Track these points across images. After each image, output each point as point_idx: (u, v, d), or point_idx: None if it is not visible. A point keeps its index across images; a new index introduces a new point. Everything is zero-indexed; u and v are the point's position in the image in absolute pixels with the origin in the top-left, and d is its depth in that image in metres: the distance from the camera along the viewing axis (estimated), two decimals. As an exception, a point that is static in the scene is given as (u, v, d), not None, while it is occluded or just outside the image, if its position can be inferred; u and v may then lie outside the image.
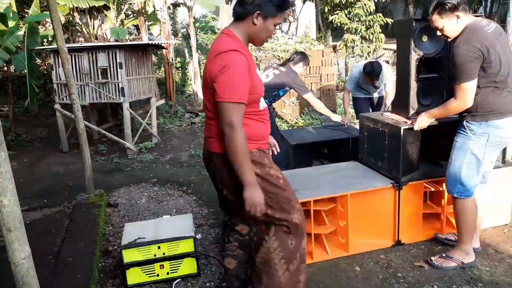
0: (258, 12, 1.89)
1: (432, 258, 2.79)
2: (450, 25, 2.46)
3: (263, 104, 2.07)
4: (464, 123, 2.56)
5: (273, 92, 4.27)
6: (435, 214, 3.27)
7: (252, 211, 1.89)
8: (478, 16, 2.67)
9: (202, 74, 2.19)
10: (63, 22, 7.14)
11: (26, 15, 7.22)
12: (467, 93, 2.44)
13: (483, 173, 2.64)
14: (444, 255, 2.77)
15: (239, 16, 1.93)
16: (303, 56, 4.39)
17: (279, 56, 6.98)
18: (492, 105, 2.47)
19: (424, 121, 2.78)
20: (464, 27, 2.46)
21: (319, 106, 4.36)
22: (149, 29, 8.66)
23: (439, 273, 2.71)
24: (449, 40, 2.58)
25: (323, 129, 4.86)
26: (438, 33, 2.57)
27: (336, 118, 4.37)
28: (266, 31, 1.95)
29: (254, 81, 1.92)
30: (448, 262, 2.72)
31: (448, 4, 2.40)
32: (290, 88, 4.39)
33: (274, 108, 4.43)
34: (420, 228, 3.18)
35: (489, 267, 2.72)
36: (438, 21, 2.48)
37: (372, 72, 4.47)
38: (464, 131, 2.57)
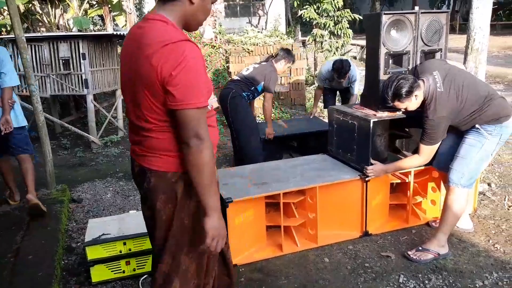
0: None
1: (409, 252, 2.82)
2: (411, 104, 2.71)
3: (210, 102, 1.64)
4: (477, 126, 2.68)
5: (251, 86, 4.18)
6: (402, 205, 3.34)
7: (213, 245, 1.52)
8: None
9: (123, 81, 1.63)
10: (22, 11, 6.82)
11: (-18, 3, 6.84)
12: (431, 153, 2.79)
13: None
14: (420, 248, 2.81)
15: None
16: (286, 53, 4.28)
17: (248, 49, 6.94)
18: (498, 112, 2.66)
19: (381, 173, 2.99)
20: (424, 97, 2.68)
21: (268, 111, 4.22)
22: (114, 19, 8.41)
23: (405, 262, 2.76)
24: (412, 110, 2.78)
25: (292, 122, 4.89)
26: (402, 109, 2.81)
27: (269, 130, 4.25)
28: (204, 11, 1.56)
29: (206, 75, 1.54)
30: (425, 254, 2.77)
31: (404, 93, 2.64)
32: None
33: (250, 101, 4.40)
34: (386, 219, 3.23)
35: (453, 256, 2.79)
36: (400, 105, 2.74)
37: (341, 68, 4.43)
38: (478, 131, 2.70)
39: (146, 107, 1.49)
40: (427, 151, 2.77)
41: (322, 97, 5.16)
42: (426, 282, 2.55)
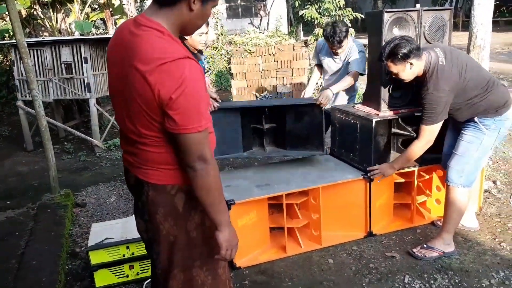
0: None
1: (414, 249, 2.81)
2: (404, 71, 2.56)
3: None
4: (476, 119, 2.61)
5: None
6: (406, 204, 3.31)
7: (227, 254, 1.54)
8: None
9: (112, 87, 1.56)
10: (24, 16, 6.84)
11: (-16, 9, 6.87)
12: (432, 134, 2.61)
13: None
14: (425, 245, 2.79)
15: (170, 0, 1.40)
16: None
17: (249, 50, 6.93)
18: (497, 102, 2.58)
19: (389, 171, 2.88)
20: (425, 71, 2.56)
21: None
22: (116, 23, 8.42)
23: (411, 262, 2.74)
24: (405, 81, 2.67)
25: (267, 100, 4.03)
26: (393, 74, 2.66)
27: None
28: (203, 17, 1.47)
29: (205, 92, 1.45)
30: (430, 252, 2.75)
31: (400, 54, 2.49)
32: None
33: None
34: (391, 219, 3.21)
35: (458, 255, 2.76)
36: (392, 67, 2.58)
37: (333, 35, 3.44)
38: (476, 126, 2.62)
39: (142, 123, 1.42)
40: (427, 133, 2.61)
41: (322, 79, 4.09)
42: (432, 282, 2.53)
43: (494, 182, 3.80)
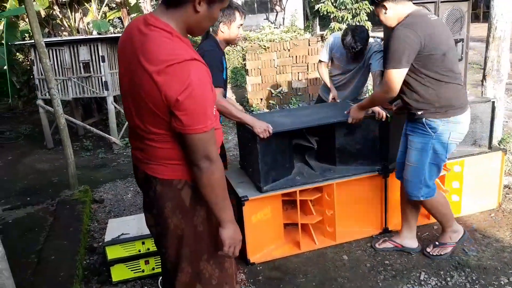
0: None
1: (428, 249, 2.75)
2: (382, 16, 2.44)
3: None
4: (424, 121, 2.40)
5: None
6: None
7: (231, 251, 1.57)
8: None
9: (122, 83, 1.57)
10: (43, 16, 6.99)
11: (4, 9, 7.04)
12: (393, 81, 2.32)
13: None
14: (437, 243, 2.74)
15: (176, 2, 1.41)
16: (221, 13, 2.46)
17: (264, 46, 6.91)
18: (450, 99, 2.37)
19: (357, 114, 2.76)
20: (407, 15, 2.37)
21: (224, 109, 2.54)
22: (132, 21, 8.53)
23: (427, 259, 2.70)
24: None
25: (305, 110, 3.64)
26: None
27: (252, 122, 2.63)
28: (210, 19, 1.48)
29: (212, 92, 1.46)
30: (444, 248, 2.70)
31: None
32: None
33: None
34: (407, 215, 3.16)
35: (476, 252, 2.71)
36: (376, 11, 2.49)
37: (354, 46, 3.18)
38: (423, 130, 2.42)
39: (150, 121, 1.44)
40: (388, 79, 2.32)
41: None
42: (448, 279, 2.49)
43: (514, 177, 3.70)
